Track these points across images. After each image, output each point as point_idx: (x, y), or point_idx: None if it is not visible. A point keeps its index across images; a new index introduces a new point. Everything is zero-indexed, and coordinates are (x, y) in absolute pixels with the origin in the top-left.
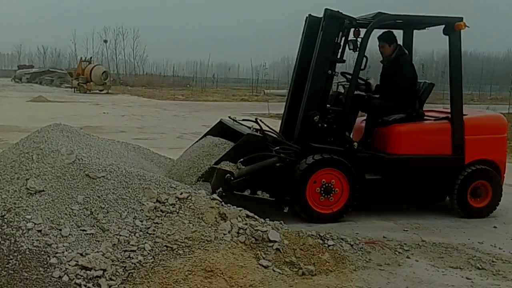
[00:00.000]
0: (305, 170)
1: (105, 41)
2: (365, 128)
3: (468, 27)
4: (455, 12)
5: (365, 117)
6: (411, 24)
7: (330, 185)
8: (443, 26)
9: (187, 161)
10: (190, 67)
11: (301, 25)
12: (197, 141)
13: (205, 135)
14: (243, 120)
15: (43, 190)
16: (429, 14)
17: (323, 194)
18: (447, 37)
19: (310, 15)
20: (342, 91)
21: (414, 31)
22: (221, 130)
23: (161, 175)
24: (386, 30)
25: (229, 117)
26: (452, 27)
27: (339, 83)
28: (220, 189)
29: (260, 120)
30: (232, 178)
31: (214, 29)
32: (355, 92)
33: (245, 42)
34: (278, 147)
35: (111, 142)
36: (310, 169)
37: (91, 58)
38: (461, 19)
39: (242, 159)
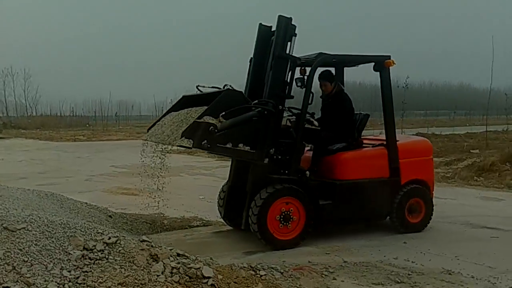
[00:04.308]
0: (266, 199)
1: None
2: (312, 157)
3: (395, 64)
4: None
5: (308, 148)
6: (347, 62)
7: (288, 213)
8: (373, 64)
9: (166, 126)
10: (89, 106)
11: (200, 56)
12: (161, 118)
13: (167, 113)
14: (212, 87)
15: None
16: (361, 54)
17: (282, 222)
18: (378, 73)
19: (260, 24)
20: (289, 124)
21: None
22: (186, 103)
23: (80, 221)
24: (324, 69)
25: (197, 86)
26: (381, 65)
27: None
28: (205, 141)
29: (230, 86)
30: (216, 131)
31: (113, 66)
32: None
33: (147, 77)
34: (256, 101)
35: (22, 191)
36: (271, 197)
37: None
38: (389, 57)
39: (223, 113)
